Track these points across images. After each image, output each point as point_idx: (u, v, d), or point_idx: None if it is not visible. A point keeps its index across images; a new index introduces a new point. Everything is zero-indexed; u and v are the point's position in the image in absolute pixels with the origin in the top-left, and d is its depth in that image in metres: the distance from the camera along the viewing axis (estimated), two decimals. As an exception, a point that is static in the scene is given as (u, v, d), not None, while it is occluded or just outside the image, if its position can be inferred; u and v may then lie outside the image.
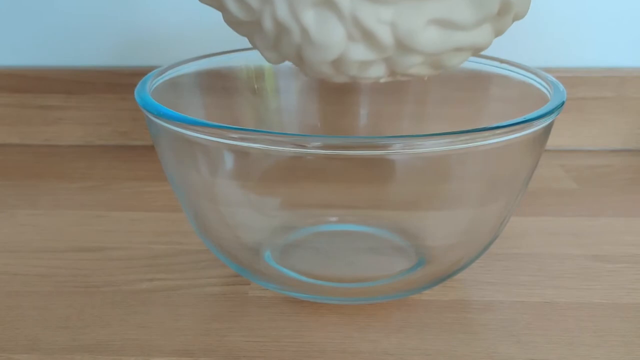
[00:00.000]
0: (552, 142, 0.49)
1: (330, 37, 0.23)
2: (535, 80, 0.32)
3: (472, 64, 0.36)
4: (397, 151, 0.23)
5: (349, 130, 0.42)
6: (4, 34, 0.52)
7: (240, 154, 0.26)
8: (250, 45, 0.27)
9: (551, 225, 0.38)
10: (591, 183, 0.44)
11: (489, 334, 0.28)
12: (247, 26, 0.25)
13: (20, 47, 0.52)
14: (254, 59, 0.38)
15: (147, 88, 0.29)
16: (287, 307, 0.30)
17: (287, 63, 0.26)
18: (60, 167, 0.49)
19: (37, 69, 0.52)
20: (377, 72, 0.25)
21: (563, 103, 0.27)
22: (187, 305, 0.30)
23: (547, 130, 0.27)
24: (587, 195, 0.43)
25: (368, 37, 0.23)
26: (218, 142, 0.24)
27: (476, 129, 0.23)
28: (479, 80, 0.36)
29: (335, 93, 0.41)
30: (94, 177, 0.47)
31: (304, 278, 0.30)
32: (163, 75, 0.32)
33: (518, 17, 0.25)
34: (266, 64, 0.39)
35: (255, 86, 0.39)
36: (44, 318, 0.30)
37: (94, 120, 0.53)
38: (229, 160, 0.27)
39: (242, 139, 0.23)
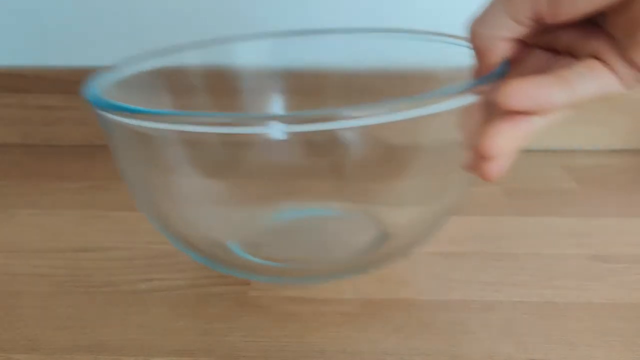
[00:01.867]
0: (552, 142, 0.50)
1: None
2: None
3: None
4: (342, 122, 0.23)
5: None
6: (3, 34, 0.52)
7: (195, 145, 0.25)
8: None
9: (551, 225, 0.38)
10: (592, 183, 0.44)
11: (489, 334, 0.28)
12: None
13: (21, 47, 0.52)
14: (209, 57, 0.37)
15: (98, 86, 0.28)
16: (286, 307, 0.30)
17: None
18: (60, 167, 0.49)
19: (37, 69, 0.52)
20: None
21: (501, 72, 0.25)
22: (187, 305, 0.30)
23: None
24: (587, 195, 0.43)
25: None
26: (168, 130, 0.24)
27: (416, 96, 0.22)
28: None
29: (298, 94, 0.40)
30: (94, 177, 0.47)
31: (269, 263, 0.30)
32: (113, 73, 0.31)
33: None
34: (224, 62, 0.38)
35: (211, 86, 0.39)
36: (44, 318, 0.30)
37: (94, 120, 0.53)
38: (183, 151, 0.26)
39: (189, 122, 0.23)
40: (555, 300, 0.31)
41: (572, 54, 0.23)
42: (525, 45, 0.25)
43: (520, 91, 0.21)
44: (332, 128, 0.23)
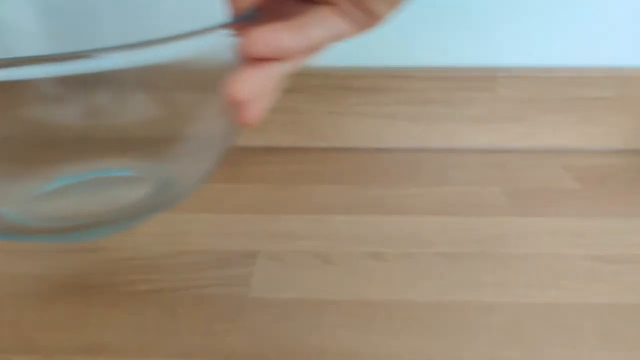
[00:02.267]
0: (553, 142, 0.49)
1: None
2: None
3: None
4: (98, 60, 0.22)
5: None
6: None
7: None
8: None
9: (553, 225, 0.38)
10: (593, 183, 0.44)
11: (490, 335, 0.28)
12: None
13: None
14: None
15: None
16: (286, 308, 0.30)
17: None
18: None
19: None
20: None
21: (245, 18, 0.25)
22: (187, 306, 0.30)
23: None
24: (588, 195, 0.43)
25: None
26: None
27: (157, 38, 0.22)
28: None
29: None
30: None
31: (47, 224, 0.29)
32: None
33: None
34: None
35: None
36: (42, 319, 0.29)
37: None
38: None
39: None
40: (557, 301, 0.31)
41: (313, 1, 0.24)
42: None
43: (257, 38, 0.23)
44: (91, 69, 0.22)
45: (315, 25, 0.23)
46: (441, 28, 0.47)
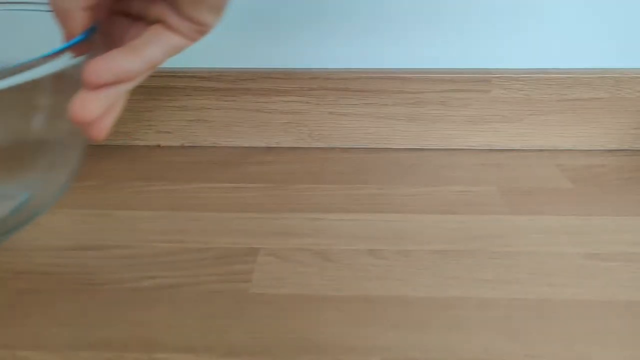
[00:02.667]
0: (547, 142, 0.50)
1: None
2: None
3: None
4: None
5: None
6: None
7: None
8: None
9: (547, 224, 0.39)
10: (586, 183, 0.45)
11: (485, 331, 0.29)
12: None
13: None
14: None
15: None
16: (286, 304, 0.31)
17: None
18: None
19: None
20: None
21: (81, 40, 0.26)
22: (189, 302, 0.31)
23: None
24: (582, 194, 0.43)
25: None
26: None
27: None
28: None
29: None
30: (95, 177, 0.47)
31: None
32: None
33: None
34: None
35: None
36: (48, 315, 0.30)
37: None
38: None
39: None
40: (551, 297, 0.31)
41: (145, 20, 0.25)
42: (112, 13, 0.26)
43: (97, 69, 0.23)
44: None
45: (150, 44, 0.25)
46: (437, 31, 0.47)
